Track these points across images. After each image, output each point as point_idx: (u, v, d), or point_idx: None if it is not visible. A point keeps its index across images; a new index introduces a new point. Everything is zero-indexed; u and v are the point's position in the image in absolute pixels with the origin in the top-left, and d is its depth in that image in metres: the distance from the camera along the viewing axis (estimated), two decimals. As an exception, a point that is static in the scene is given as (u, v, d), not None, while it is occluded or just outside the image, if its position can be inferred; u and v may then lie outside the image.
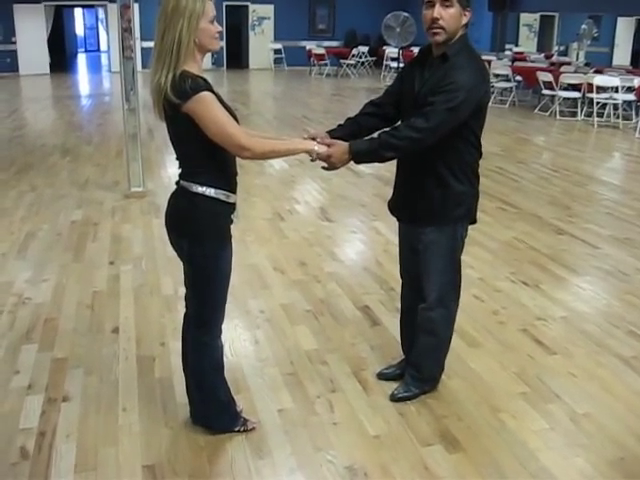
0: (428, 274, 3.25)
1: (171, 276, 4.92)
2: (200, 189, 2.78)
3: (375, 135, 3.04)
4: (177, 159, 2.88)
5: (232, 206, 2.89)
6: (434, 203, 3.12)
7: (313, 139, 3.01)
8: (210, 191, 2.78)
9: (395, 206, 3.36)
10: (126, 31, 6.94)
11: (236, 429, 3.17)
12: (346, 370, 3.70)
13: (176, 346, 3.90)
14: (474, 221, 3.30)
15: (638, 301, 4.72)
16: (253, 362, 3.79)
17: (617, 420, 3.33)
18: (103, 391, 3.50)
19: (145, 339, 4.04)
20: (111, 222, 6.19)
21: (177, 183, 2.88)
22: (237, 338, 4.05)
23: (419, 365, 3.45)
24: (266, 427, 3.21)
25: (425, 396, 3.46)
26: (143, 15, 20.62)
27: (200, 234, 2.85)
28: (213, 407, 3.16)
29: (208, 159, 2.77)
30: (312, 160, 3.01)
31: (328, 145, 2.95)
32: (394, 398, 3.43)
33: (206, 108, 2.64)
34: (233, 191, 2.88)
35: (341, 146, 2.95)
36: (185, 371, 3.16)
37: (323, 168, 3.05)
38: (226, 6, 21.90)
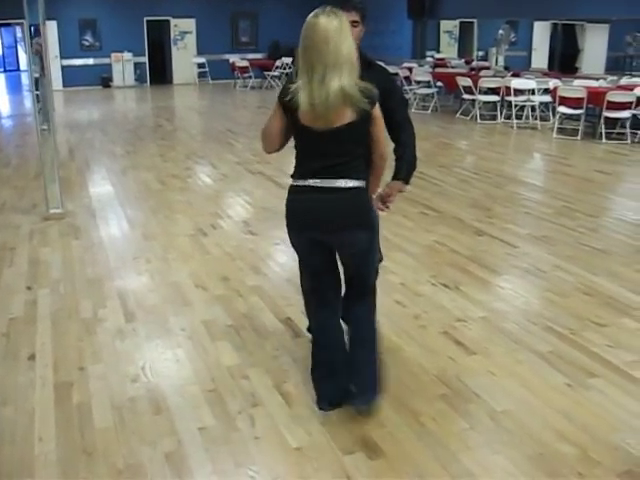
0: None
1: (90, 298, 4.82)
2: (364, 184, 3.17)
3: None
4: (333, 161, 3.08)
5: None
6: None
7: None
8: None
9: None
10: (38, 51, 6.77)
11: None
12: (268, 383, 3.68)
13: (95, 370, 3.85)
14: None
15: (555, 297, 4.84)
16: (174, 381, 3.73)
17: (535, 416, 3.39)
18: (19, 421, 3.40)
19: (63, 365, 3.94)
20: (28, 246, 6.03)
21: (327, 184, 3.10)
22: (157, 358, 3.99)
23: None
24: (186, 447, 3.17)
25: (347, 404, 3.47)
26: (62, 33, 20.31)
27: (373, 221, 3.33)
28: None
29: (366, 157, 3.16)
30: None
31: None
32: None
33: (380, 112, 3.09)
34: None
35: (395, 184, 3.54)
36: (356, 354, 3.40)
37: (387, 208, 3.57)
38: (147, 21, 21.71)
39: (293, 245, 3.38)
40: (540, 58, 19.69)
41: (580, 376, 3.76)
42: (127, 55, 21.42)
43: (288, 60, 20.87)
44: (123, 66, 21.45)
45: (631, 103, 11.15)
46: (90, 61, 21.22)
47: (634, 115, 11.30)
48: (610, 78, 13.61)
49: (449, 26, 21.76)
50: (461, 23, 21.37)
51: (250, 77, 20.48)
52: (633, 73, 16.03)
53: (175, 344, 4.17)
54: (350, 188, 3.10)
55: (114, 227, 6.58)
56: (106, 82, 21.33)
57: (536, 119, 12.81)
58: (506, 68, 16.73)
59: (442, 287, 4.99)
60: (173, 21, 22.22)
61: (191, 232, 6.32)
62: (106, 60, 21.26)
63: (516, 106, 12.77)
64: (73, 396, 3.61)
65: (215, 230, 6.40)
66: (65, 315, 4.60)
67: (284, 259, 5.62)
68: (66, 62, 20.65)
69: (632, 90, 11.46)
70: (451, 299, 4.77)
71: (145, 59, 22.07)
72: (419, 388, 3.63)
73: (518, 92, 12.89)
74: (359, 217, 3.18)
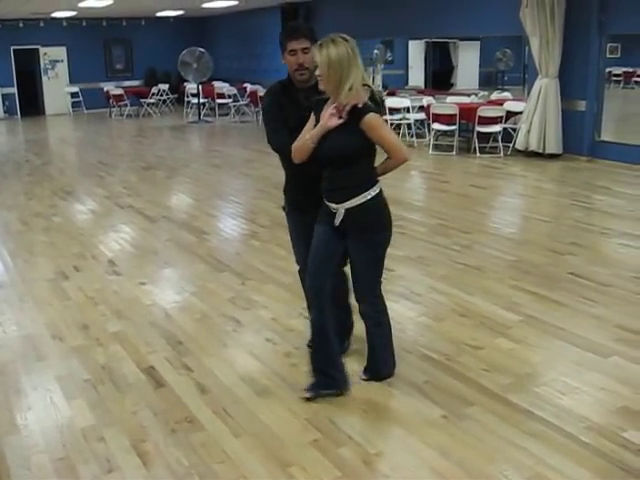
0: None
1: None
2: None
3: None
4: None
5: None
6: None
7: None
8: None
9: None
10: None
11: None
12: (125, 444, 3.36)
13: None
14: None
15: (430, 322, 4.75)
16: (19, 451, 3.34)
17: (411, 455, 3.23)
18: None
19: None
20: None
21: None
22: (4, 425, 3.57)
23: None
24: (28, 529, 2.83)
25: (211, 460, 3.21)
26: None
27: None
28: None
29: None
30: None
31: None
32: None
33: None
34: None
35: None
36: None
37: None
38: (14, 50, 20.79)
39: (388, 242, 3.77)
40: (417, 76, 20.04)
41: (456, 406, 3.64)
42: (-6, 87, 20.44)
43: (165, 86, 20.47)
44: (-10, 98, 20.45)
45: (501, 117, 11.43)
46: (-47, 94, 20.10)
47: (504, 129, 11.58)
48: (481, 93, 13.96)
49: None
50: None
51: (126, 105, 19.84)
52: (505, 87, 16.56)
53: (25, 407, 3.78)
54: None
55: (-33, 276, 6.07)
56: (-28, 116, 20.25)
57: (412, 137, 12.95)
58: (385, 87, 16.92)
59: (316, 319, 4.79)
60: (42, 49, 21.36)
61: (51, 276, 5.88)
62: (-29, 93, 20.17)
63: (392, 124, 12.86)
64: None
65: (78, 272, 5.98)
66: None
67: (150, 300, 5.28)
68: None
69: (502, 104, 11.77)
70: (325, 332, 4.57)
71: (14, 90, 21.10)
72: (289, 435, 3.40)
73: (394, 110, 13.00)
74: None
